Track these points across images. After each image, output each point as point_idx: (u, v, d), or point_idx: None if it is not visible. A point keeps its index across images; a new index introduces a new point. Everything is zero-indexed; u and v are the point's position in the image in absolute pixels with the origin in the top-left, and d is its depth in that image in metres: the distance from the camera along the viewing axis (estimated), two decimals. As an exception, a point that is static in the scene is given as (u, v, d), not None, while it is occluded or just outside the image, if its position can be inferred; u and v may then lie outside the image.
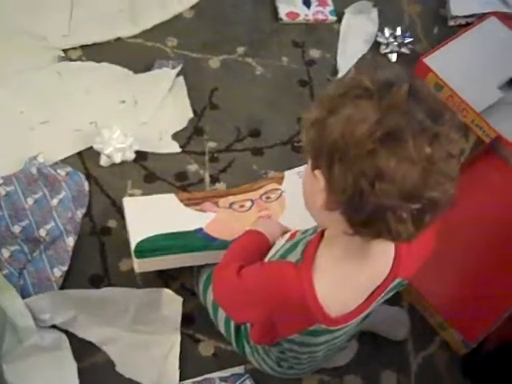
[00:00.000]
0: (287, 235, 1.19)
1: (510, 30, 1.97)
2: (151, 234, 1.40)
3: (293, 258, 1.04)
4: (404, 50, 1.99)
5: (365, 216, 0.85)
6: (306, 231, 1.11)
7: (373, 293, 1.05)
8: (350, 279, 1.01)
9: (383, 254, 1.03)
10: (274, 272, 1.06)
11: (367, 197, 0.83)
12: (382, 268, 1.04)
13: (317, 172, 0.90)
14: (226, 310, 1.22)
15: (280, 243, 1.16)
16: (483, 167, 1.73)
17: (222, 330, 1.39)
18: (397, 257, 1.04)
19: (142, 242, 1.38)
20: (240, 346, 1.36)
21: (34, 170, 1.56)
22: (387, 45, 1.99)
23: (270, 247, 1.27)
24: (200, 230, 1.45)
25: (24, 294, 1.40)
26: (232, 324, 1.35)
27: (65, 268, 1.47)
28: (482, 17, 2.03)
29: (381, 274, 1.04)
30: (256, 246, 1.27)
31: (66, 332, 1.41)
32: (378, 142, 0.81)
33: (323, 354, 1.21)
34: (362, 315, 1.07)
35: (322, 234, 1.03)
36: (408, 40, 2.00)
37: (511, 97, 1.84)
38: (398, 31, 2.01)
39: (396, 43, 1.99)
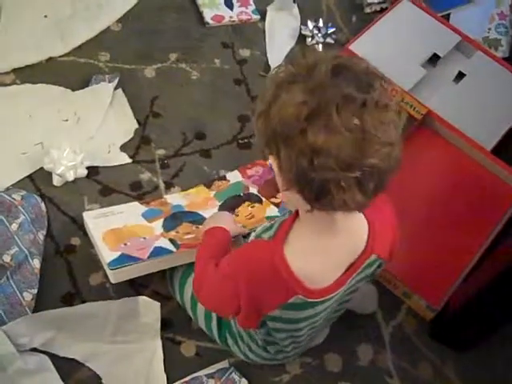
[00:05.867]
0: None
1: (423, 11, 2.08)
2: None
3: (266, 236, 1.11)
4: (329, 40, 2.07)
5: (314, 191, 0.91)
6: (284, 214, 1.17)
7: (350, 267, 1.11)
8: (322, 252, 1.07)
9: (355, 228, 1.09)
10: (247, 250, 1.14)
11: (309, 173, 0.89)
12: (357, 242, 1.10)
13: (270, 158, 0.97)
14: (217, 309, 1.27)
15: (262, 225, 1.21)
16: (418, 142, 1.80)
17: (203, 325, 1.42)
18: (371, 233, 1.10)
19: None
20: (223, 338, 1.39)
21: (-13, 198, 1.55)
22: (312, 37, 2.07)
23: (230, 236, 1.33)
24: None
25: (-2, 322, 1.39)
26: (213, 317, 1.38)
27: (34, 291, 1.45)
28: (394, 1, 2.13)
29: (356, 248, 1.11)
30: (219, 239, 1.32)
31: (47, 353, 1.40)
32: (305, 120, 0.87)
33: (307, 333, 1.25)
34: (342, 289, 1.13)
35: (296, 214, 1.09)
36: (331, 30, 2.08)
37: (434, 73, 1.95)
38: (321, 23, 2.09)
39: (320, 34, 2.07)
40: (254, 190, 1.64)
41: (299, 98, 0.88)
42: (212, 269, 1.18)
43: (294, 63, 0.93)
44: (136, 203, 1.60)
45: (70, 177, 1.64)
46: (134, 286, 1.51)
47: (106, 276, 1.47)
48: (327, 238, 1.06)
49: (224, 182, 1.69)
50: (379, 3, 2.19)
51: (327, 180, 0.89)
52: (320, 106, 0.87)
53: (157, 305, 1.42)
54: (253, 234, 1.19)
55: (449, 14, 2.15)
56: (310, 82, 0.89)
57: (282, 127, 0.90)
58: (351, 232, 1.09)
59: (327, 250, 1.07)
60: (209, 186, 1.68)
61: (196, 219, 1.53)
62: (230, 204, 1.58)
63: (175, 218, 1.53)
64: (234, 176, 1.71)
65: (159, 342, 1.45)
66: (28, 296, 1.44)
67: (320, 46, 2.06)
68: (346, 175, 0.88)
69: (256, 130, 0.98)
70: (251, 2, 2.14)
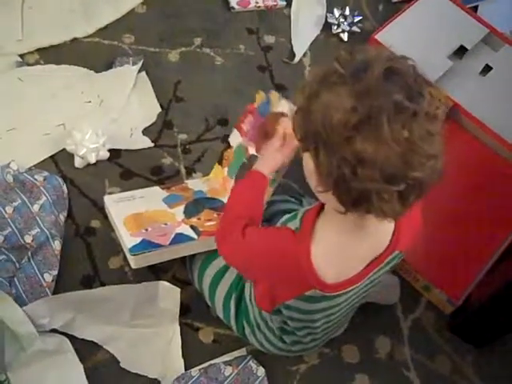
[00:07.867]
0: None
1: (450, 2, 2.05)
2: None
3: (292, 226, 1.09)
4: (354, 28, 2.06)
5: (352, 197, 0.89)
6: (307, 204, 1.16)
7: (371, 262, 1.09)
8: (347, 249, 1.06)
9: (382, 226, 1.06)
10: (274, 235, 1.12)
11: (351, 182, 0.87)
12: (382, 240, 1.09)
13: (306, 155, 0.95)
14: (241, 269, 1.26)
15: None
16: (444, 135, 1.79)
17: (221, 313, 1.41)
18: (396, 230, 1.08)
19: None
20: (240, 327, 1.38)
21: (9, 178, 1.54)
22: (338, 25, 2.05)
23: (267, 184, 1.30)
24: None
25: (18, 303, 1.37)
26: (231, 306, 1.37)
27: (55, 272, 1.46)
28: (422, -9, 2.10)
29: (380, 245, 1.09)
30: (256, 191, 1.29)
31: (66, 334, 1.40)
32: (353, 129, 0.84)
33: (323, 326, 1.24)
34: (361, 283, 1.11)
35: (322, 205, 1.07)
36: (357, 19, 2.07)
37: (460, 65, 1.92)
38: (347, 11, 2.07)
39: (346, 23, 2.05)
40: (252, 149, 1.58)
41: (347, 103, 0.84)
42: (239, 232, 1.16)
43: (341, 61, 0.89)
44: (157, 188, 1.59)
45: (92, 159, 1.63)
46: (154, 271, 1.51)
47: (125, 259, 1.48)
48: (354, 236, 1.04)
49: (229, 150, 1.62)
50: (407, -7, 2.16)
51: (369, 190, 0.87)
52: (371, 114, 0.83)
53: (177, 290, 1.42)
54: (278, 223, 1.17)
55: (477, 6, 2.13)
56: (359, 85, 0.85)
57: (325, 131, 0.87)
58: (378, 230, 1.07)
59: (353, 249, 1.06)
60: (220, 161, 1.64)
61: (217, 206, 1.52)
62: (241, 177, 1.55)
63: (197, 205, 1.52)
64: (234, 137, 1.62)
65: (177, 328, 1.45)
66: (48, 277, 1.45)
67: (345, 34, 2.04)
68: (389, 188, 0.86)
69: (294, 122, 0.95)
70: (278, -12, 2.12)
